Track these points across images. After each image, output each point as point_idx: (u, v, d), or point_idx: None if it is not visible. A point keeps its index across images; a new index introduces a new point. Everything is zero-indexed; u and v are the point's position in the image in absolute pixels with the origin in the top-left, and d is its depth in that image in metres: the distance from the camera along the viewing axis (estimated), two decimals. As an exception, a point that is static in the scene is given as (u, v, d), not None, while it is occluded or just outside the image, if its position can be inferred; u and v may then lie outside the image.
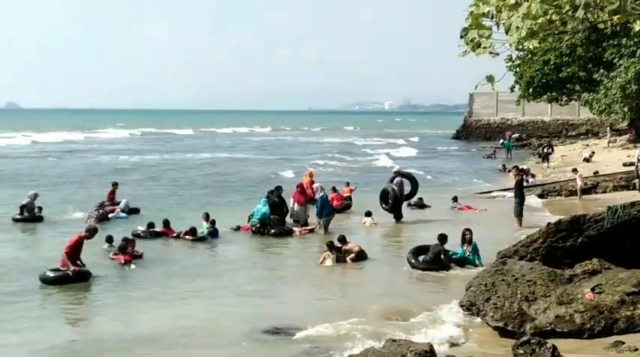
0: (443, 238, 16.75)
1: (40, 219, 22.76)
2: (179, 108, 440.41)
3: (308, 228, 21.57)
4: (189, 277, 15.74)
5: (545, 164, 42.89)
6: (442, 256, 16.39)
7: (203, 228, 20.22)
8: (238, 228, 21.45)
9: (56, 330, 12.24)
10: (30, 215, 22.60)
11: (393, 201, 23.17)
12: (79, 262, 15.51)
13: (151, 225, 20.41)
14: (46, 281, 14.79)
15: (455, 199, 26.25)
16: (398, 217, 23.21)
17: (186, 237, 19.86)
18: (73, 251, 15.44)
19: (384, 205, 23.49)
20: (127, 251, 17.25)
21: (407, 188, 24.78)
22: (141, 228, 20.31)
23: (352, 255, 17.33)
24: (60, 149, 60.42)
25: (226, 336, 11.67)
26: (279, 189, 23.22)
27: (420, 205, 26.27)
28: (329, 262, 17.05)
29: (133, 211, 24.32)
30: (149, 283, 15.20)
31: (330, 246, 17.35)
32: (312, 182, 25.59)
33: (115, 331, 12.14)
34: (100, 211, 23.09)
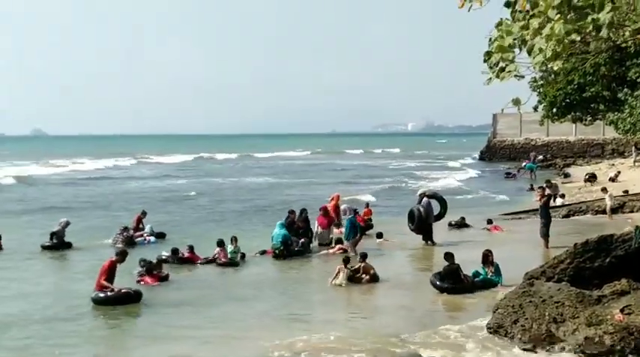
0: (449, 256, 16.62)
1: (68, 245, 22.88)
2: (213, 133, 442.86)
3: (342, 247, 21.63)
4: (215, 301, 15.77)
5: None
6: (462, 276, 16.29)
7: (230, 251, 20.28)
8: (264, 252, 21.50)
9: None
10: (59, 242, 22.74)
11: (418, 221, 23.33)
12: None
13: (175, 251, 20.51)
14: (97, 302, 15.10)
15: (489, 221, 26.34)
16: (427, 238, 23.31)
17: (218, 260, 20.02)
18: (108, 277, 15.56)
19: (410, 226, 23.71)
20: (154, 273, 17.40)
21: (437, 209, 24.78)
22: (165, 253, 20.43)
23: (368, 276, 17.37)
24: (103, 175, 60.91)
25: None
26: (303, 212, 23.29)
27: (461, 224, 26.56)
28: (341, 277, 17.11)
29: (158, 236, 24.50)
30: (177, 307, 15.24)
31: (346, 261, 17.46)
32: (338, 206, 25.72)
33: (151, 354, 12.27)
34: (125, 234, 23.29)
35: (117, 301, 15.11)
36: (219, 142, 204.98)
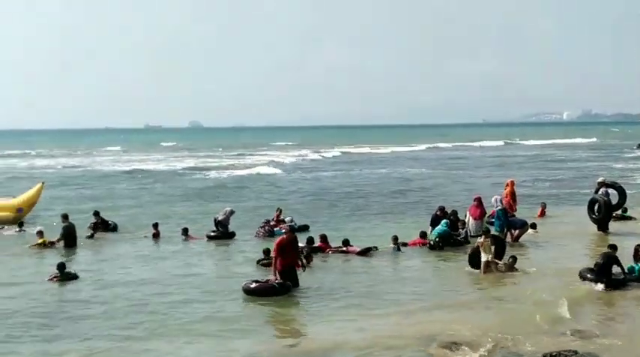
0: (614, 248, 16.26)
1: (232, 235, 23.30)
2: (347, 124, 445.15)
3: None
4: (355, 292, 15.77)
5: None
6: (619, 266, 15.61)
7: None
8: (405, 244, 21.20)
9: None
10: (224, 231, 23.24)
11: (605, 210, 22.87)
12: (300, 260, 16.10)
13: (310, 240, 20.56)
14: (248, 292, 15.20)
15: None
16: (604, 227, 22.84)
17: (351, 250, 20.04)
18: (280, 251, 15.67)
19: (593, 215, 23.24)
20: None
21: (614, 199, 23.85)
22: (300, 244, 20.54)
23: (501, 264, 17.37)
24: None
25: (405, 350, 11.61)
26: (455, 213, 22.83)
27: (623, 216, 25.48)
28: (486, 253, 17.14)
29: (301, 229, 24.66)
30: (322, 298, 15.32)
31: (487, 232, 17.90)
32: (514, 192, 25.27)
33: (293, 342, 12.50)
34: (266, 227, 23.81)
35: (265, 293, 15.13)
36: (376, 132, 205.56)
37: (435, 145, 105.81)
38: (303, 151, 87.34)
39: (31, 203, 27.29)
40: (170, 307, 14.59)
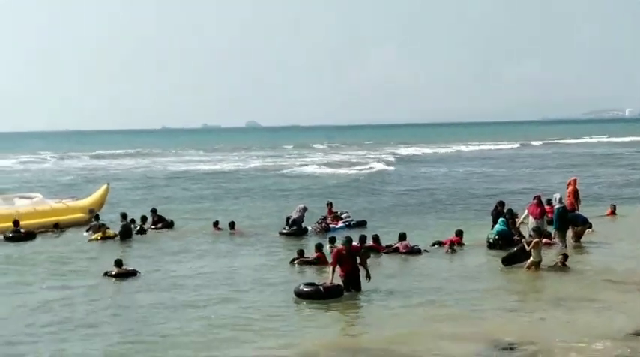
0: None
1: (304, 232, 23.27)
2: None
3: (547, 241, 20.46)
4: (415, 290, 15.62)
5: None
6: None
7: None
8: (439, 243, 20.87)
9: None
10: (297, 229, 23.23)
11: None
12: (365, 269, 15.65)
13: (362, 238, 20.25)
14: (300, 295, 14.99)
15: None
16: None
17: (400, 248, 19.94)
18: (338, 261, 15.48)
19: None
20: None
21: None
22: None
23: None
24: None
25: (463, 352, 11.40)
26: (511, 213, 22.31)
27: None
28: (536, 253, 17.03)
29: (359, 224, 24.57)
30: (384, 298, 15.12)
31: (538, 232, 17.89)
32: (576, 190, 24.93)
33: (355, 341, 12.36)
34: (323, 224, 23.84)
35: (319, 296, 14.87)
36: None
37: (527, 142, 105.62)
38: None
39: (100, 204, 27.94)
40: (227, 303, 14.67)
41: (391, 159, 69.20)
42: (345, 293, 15.19)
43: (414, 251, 19.82)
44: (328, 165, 61.38)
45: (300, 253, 18.72)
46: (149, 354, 11.59)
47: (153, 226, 24.59)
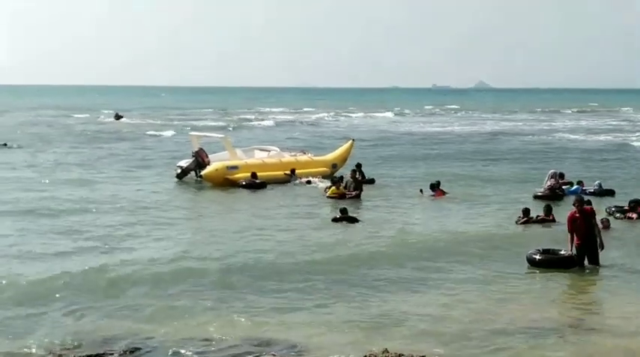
0: None
1: (555, 196, 22.41)
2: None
3: None
4: None
5: None
6: None
7: None
8: None
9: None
10: (552, 193, 22.53)
11: None
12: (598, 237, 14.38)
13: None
14: (533, 263, 14.25)
15: None
16: None
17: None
18: (573, 226, 14.35)
19: None
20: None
21: None
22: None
23: None
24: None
25: None
26: None
27: None
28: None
29: (606, 193, 23.30)
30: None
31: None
32: None
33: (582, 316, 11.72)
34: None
35: (552, 264, 14.13)
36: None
37: None
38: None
39: (343, 159, 29.24)
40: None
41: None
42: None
43: None
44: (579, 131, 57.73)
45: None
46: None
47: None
